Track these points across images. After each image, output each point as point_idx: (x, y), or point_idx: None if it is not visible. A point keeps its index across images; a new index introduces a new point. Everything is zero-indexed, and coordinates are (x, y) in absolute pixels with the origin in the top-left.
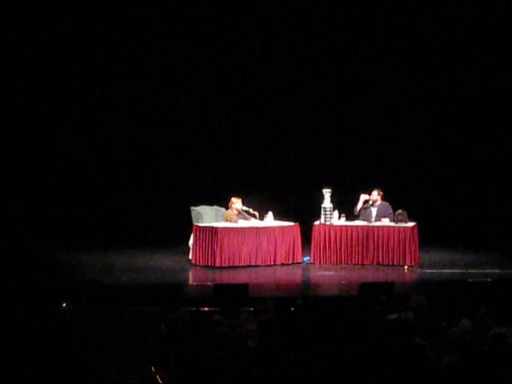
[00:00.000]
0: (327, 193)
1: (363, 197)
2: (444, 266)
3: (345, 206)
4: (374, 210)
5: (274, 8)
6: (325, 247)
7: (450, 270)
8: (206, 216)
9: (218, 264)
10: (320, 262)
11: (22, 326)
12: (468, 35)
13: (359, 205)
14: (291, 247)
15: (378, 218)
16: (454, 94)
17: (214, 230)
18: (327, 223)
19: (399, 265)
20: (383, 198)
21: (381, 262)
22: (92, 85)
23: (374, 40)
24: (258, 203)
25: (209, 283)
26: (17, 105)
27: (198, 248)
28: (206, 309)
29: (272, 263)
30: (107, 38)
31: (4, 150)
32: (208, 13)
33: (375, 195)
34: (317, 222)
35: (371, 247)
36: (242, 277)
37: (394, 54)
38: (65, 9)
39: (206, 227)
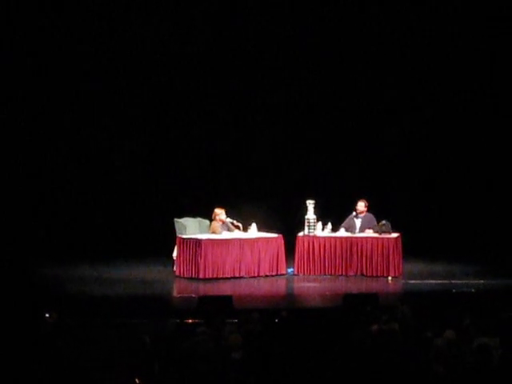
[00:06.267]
0: (310, 204)
1: (342, 229)
2: (427, 276)
3: (329, 217)
4: (358, 222)
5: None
6: (309, 258)
7: (434, 281)
8: (190, 228)
9: (201, 276)
10: (304, 274)
11: (5, 337)
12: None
13: (342, 229)
14: (275, 258)
15: (362, 230)
16: (437, 106)
17: (197, 242)
18: (311, 234)
19: (383, 276)
20: (368, 209)
21: (364, 273)
22: (74, 99)
23: (360, 51)
24: (242, 215)
25: (193, 295)
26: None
27: (181, 260)
28: (190, 321)
29: (256, 275)
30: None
31: None
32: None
33: (362, 206)
34: (300, 234)
35: (355, 258)
36: (226, 288)
37: (376, 70)
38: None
39: (189, 239)
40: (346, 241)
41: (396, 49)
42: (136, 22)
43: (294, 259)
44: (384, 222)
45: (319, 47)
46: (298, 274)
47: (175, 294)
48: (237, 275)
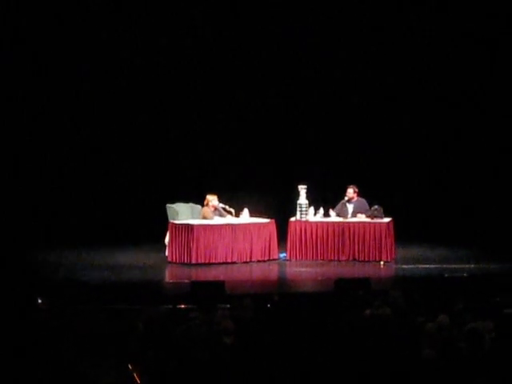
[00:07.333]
0: (303, 189)
1: (332, 212)
2: (420, 261)
3: (321, 202)
4: (350, 207)
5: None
6: (301, 243)
7: (426, 266)
8: (182, 213)
9: (194, 261)
10: (296, 259)
11: None
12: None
13: (332, 213)
14: (267, 244)
15: (354, 215)
16: (428, 90)
17: (189, 227)
18: (303, 219)
19: (375, 260)
20: (359, 195)
21: (357, 258)
22: (70, 85)
23: (352, 40)
24: (234, 200)
25: (185, 280)
26: None
27: (174, 245)
28: (183, 306)
29: (248, 260)
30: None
31: None
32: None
33: (351, 192)
34: (293, 219)
35: (347, 243)
36: (218, 274)
37: (368, 53)
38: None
39: (181, 224)
40: (338, 226)
41: (397, 44)
42: (135, 22)
43: (286, 244)
44: (376, 206)
45: (319, 45)
46: (290, 259)
47: (167, 279)
48: (229, 260)
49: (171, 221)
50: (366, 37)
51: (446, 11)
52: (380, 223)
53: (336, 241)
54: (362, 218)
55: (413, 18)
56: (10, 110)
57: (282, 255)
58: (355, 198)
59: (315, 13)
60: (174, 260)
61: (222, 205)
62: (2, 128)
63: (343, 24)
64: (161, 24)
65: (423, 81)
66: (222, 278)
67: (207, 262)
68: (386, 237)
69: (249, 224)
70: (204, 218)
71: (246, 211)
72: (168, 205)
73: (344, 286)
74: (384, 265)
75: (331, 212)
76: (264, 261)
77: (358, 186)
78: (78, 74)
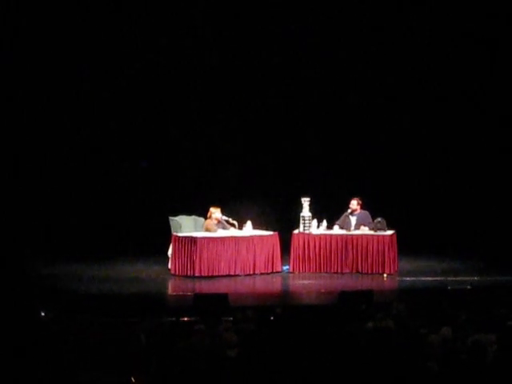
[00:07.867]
0: (306, 202)
1: (336, 227)
2: (422, 273)
3: (324, 214)
4: (353, 219)
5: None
6: (304, 256)
7: (429, 278)
8: (185, 226)
9: (197, 274)
10: (299, 271)
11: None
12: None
13: (335, 227)
14: (270, 256)
15: (358, 227)
16: (429, 102)
17: (192, 240)
18: (306, 232)
19: (378, 273)
20: (362, 207)
21: (360, 271)
22: (70, 85)
23: (352, 40)
24: (237, 212)
25: (188, 293)
26: None
27: (177, 258)
28: (186, 318)
29: (251, 272)
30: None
31: None
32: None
33: (354, 204)
34: (296, 231)
35: (350, 255)
36: (221, 286)
37: (368, 65)
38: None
39: (184, 237)
40: (341, 238)
41: (396, 47)
42: (135, 22)
43: (289, 257)
44: (379, 219)
45: (320, 46)
46: (293, 272)
47: (170, 292)
48: (232, 273)
49: (174, 233)
50: (366, 37)
51: (446, 11)
52: (383, 236)
53: (339, 253)
54: (365, 230)
55: (413, 18)
56: (9, 110)
57: (285, 268)
58: (358, 211)
59: (315, 13)
60: (177, 272)
61: (225, 217)
62: (2, 128)
63: (343, 24)
64: (161, 24)
65: (423, 81)
66: (225, 290)
67: (210, 274)
68: (389, 249)
69: (252, 236)
70: (207, 230)
71: (249, 224)
72: (171, 217)
73: (347, 299)
74: (387, 277)
75: (335, 227)
76: (267, 273)
77: (361, 198)
78: (78, 74)
